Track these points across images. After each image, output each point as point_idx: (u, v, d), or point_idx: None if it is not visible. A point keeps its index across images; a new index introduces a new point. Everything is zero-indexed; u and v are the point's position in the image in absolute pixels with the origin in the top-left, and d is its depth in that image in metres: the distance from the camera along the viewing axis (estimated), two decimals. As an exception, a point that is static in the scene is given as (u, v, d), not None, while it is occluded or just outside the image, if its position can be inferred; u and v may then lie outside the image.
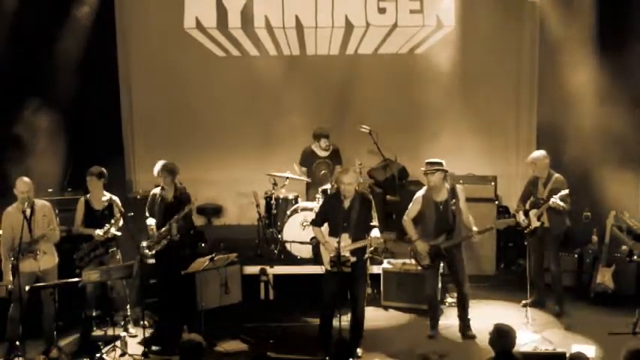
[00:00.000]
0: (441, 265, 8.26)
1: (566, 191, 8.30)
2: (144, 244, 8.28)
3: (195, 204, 8.37)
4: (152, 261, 8.44)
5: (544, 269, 8.73)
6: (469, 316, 8.19)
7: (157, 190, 8.45)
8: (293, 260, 9.43)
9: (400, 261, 9.27)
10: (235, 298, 8.94)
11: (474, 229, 8.02)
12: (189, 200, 8.31)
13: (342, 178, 7.56)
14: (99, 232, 8.14)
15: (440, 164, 7.96)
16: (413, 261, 8.36)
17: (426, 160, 8.04)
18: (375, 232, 7.57)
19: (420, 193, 8.11)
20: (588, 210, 9.74)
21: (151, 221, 8.35)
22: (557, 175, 8.54)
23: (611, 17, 9.78)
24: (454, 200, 7.96)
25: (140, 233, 8.59)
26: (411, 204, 8.15)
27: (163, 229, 8.22)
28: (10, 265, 7.61)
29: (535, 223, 8.48)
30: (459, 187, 8.10)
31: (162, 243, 8.22)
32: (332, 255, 7.43)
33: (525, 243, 8.98)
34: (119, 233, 8.33)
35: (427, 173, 7.98)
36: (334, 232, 7.60)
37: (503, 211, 10.02)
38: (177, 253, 8.28)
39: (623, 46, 9.62)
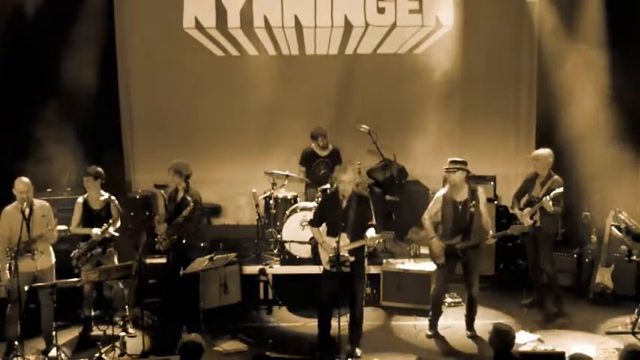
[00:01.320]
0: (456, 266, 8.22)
1: (560, 190, 8.28)
2: (156, 239, 8.33)
3: (191, 207, 8.31)
4: (163, 260, 8.53)
5: (542, 269, 8.73)
6: (474, 317, 8.20)
7: (171, 190, 8.50)
8: (292, 260, 9.42)
9: (400, 261, 9.28)
10: (235, 298, 8.95)
11: (490, 232, 8.02)
12: (189, 204, 8.30)
13: (340, 176, 7.57)
14: (96, 231, 8.14)
15: (463, 163, 7.92)
16: (413, 261, 8.36)
17: (450, 159, 8.01)
18: (372, 232, 7.57)
19: (440, 192, 8.10)
20: (587, 210, 9.74)
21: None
22: (556, 176, 8.51)
23: (613, 15, 9.79)
24: (474, 202, 7.93)
25: (139, 233, 8.61)
26: (431, 202, 8.14)
27: (168, 229, 8.26)
28: (7, 265, 7.61)
29: (528, 222, 8.47)
30: (480, 190, 8.07)
31: (167, 241, 8.25)
32: (331, 255, 7.43)
33: (519, 241, 9.00)
34: (117, 234, 8.33)
35: (449, 171, 7.94)
36: (332, 232, 7.60)
37: (502, 212, 9.99)
38: (182, 254, 8.29)
39: (623, 46, 9.64)
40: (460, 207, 7.94)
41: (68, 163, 9.87)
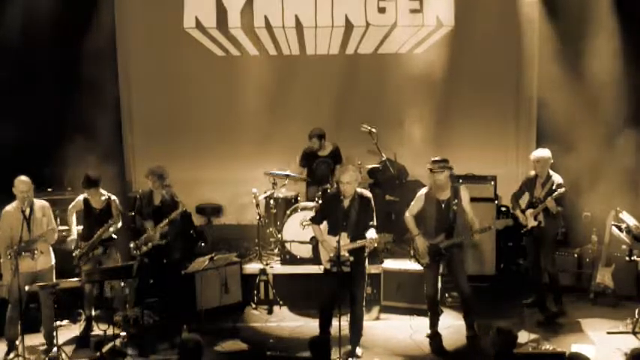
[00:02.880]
0: (441, 264, 8.22)
1: (563, 190, 8.30)
2: (131, 244, 8.37)
3: (181, 209, 8.41)
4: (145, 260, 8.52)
5: (543, 269, 8.73)
6: (473, 317, 8.18)
7: (144, 193, 8.52)
8: (293, 260, 9.42)
9: (400, 261, 9.27)
10: (235, 298, 8.95)
11: (473, 228, 8.01)
12: (176, 207, 8.34)
13: (341, 177, 7.57)
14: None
15: (447, 162, 7.92)
16: (413, 260, 8.35)
17: (432, 159, 7.99)
18: (372, 232, 7.55)
19: (423, 191, 8.09)
20: (587, 210, 9.73)
21: (147, 223, 8.51)
22: (556, 175, 8.52)
23: (618, 7, 9.81)
24: (456, 200, 7.93)
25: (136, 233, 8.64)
26: (414, 201, 8.12)
27: (150, 232, 8.32)
28: (9, 264, 7.61)
29: (532, 223, 8.47)
30: (462, 188, 8.06)
31: (148, 245, 8.30)
32: (331, 255, 7.43)
33: (522, 243, 8.98)
34: (115, 236, 8.33)
35: (434, 171, 7.93)
36: (333, 231, 7.59)
37: (504, 212, 9.99)
38: (167, 256, 8.31)
39: (626, 43, 9.66)
40: (443, 205, 7.94)
41: (69, 163, 9.87)
